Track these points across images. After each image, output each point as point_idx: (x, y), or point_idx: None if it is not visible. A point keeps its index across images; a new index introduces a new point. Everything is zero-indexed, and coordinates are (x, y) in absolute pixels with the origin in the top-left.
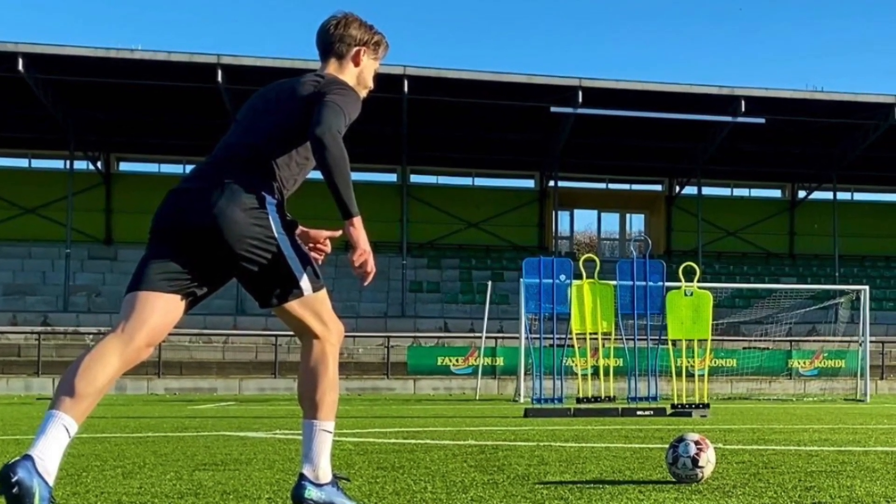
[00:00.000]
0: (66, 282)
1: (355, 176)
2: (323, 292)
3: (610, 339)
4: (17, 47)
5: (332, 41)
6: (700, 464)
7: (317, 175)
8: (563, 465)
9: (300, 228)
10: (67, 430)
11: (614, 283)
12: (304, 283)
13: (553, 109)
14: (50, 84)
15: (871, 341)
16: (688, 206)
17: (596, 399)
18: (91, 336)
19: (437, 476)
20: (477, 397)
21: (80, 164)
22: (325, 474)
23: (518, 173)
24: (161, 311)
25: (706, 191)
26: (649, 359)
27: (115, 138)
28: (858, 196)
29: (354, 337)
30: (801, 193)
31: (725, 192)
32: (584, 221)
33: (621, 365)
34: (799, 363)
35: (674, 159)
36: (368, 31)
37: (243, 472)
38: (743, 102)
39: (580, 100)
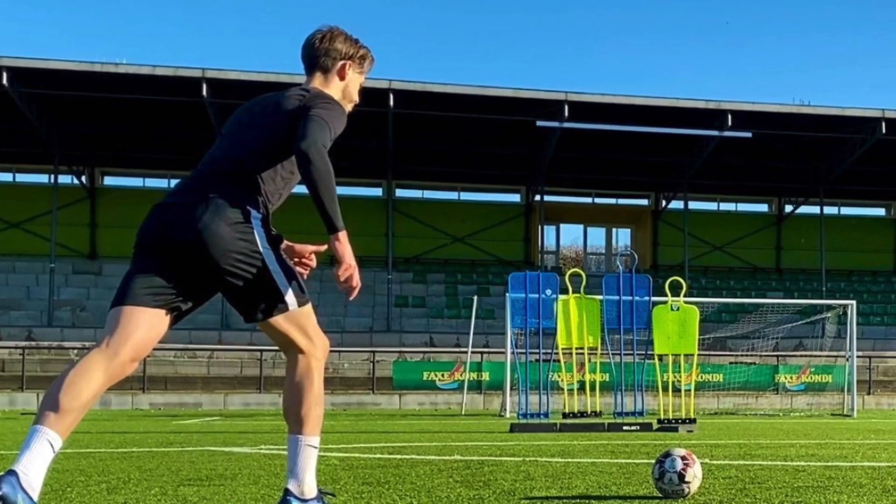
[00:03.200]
0: (50, 296)
1: (340, 190)
2: (308, 307)
3: (596, 353)
4: (0, 61)
5: (317, 55)
6: (686, 479)
7: (302, 189)
8: (549, 480)
9: (285, 243)
10: (52, 445)
11: (600, 297)
12: (290, 297)
13: (539, 123)
14: (34, 98)
15: (857, 356)
16: (674, 221)
17: (582, 414)
18: (76, 351)
19: (422, 491)
20: (463, 412)
21: (65, 179)
22: (311, 489)
23: (504, 188)
24: (146, 325)
25: (692, 205)
26: (636, 374)
27: (100, 152)
28: (845, 210)
29: (340, 352)
30: (788, 208)
31: (712, 206)
32: (571, 236)
33: (607, 380)
34: (786, 378)
35: (660, 173)
36: (354, 44)
37: (228, 488)
38: (729, 116)
39: (566, 114)
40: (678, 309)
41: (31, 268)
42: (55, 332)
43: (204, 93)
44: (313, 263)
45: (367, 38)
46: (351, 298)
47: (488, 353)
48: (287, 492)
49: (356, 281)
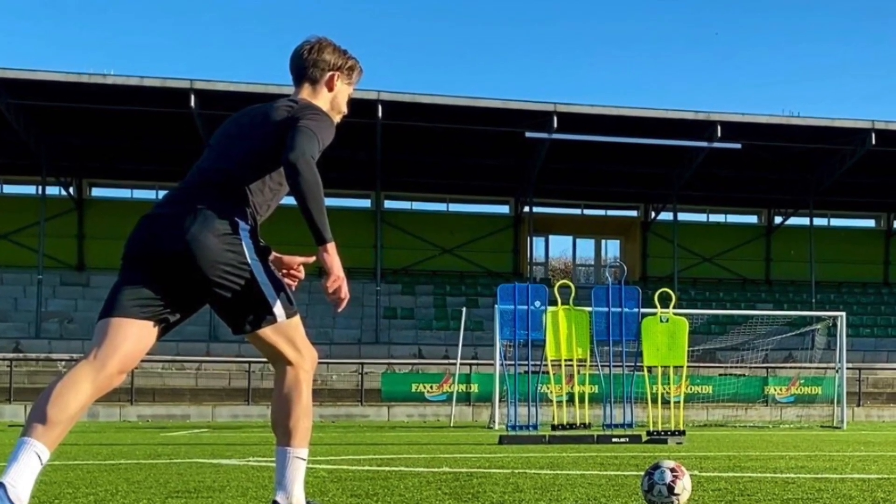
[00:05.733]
0: (38, 308)
1: (329, 201)
2: (296, 318)
3: (585, 365)
4: None
5: (305, 66)
6: (676, 491)
7: (290, 200)
8: (538, 492)
9: (273, 254)
10: (40, 457)
11: (590, 309)
12: (278, 309)
13: (528, 135)
14: (22, 109)
15: (847, 368)
16: (663, 232)
17: (571, 426)
18: (63, 363)
19: (411, 503)
20: (451, 424)
21: (53, 190)
22: (299, 502)
23: (493, 199)
24: (134, 337)
25: (682, 216)
26: (625, 385)
27: (88, 164)
28: (835, 222)
29: (328, 363)
30: (778, 219)
31: (701, 217)
32: (560, 247)
33: (597, 392)
34: (775, 390)
35: (649, 185)
36: (342, 55)
37: (216, 500)
38: (719, 128)
39: (555, 125)
40: (667, 321)
41: (19, 279)
42: (43, 343)
43: (192, 104)
44: (301, 275)
45: (355, 49)
46: (339, 310)
47: (477, 364)
48: None
49: (345, 292)
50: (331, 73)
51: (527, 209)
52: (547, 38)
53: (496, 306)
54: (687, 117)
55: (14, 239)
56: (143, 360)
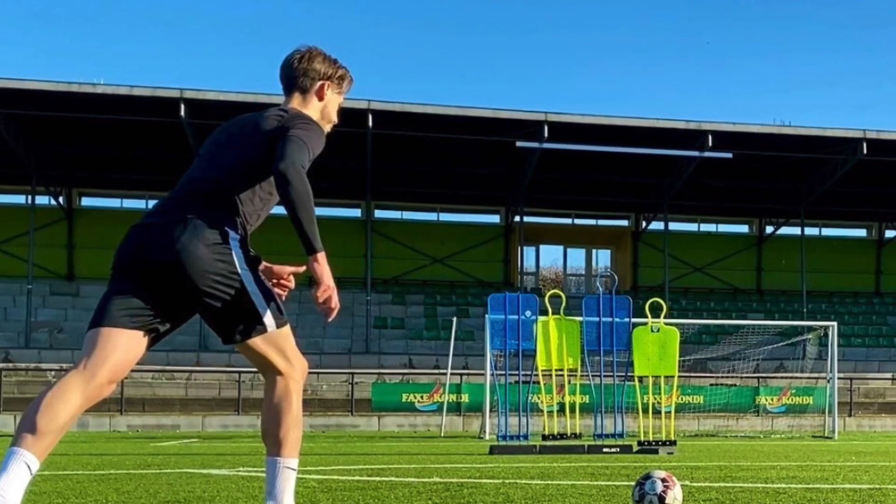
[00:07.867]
0: (27, 318)
1: (319, 211)
2: (286, 328)
3: (576, 375)
4: None
5: (295, 75)
6: (667, 501)
7: (280, 210)
8: (528, 502)
9: (263, 264)
10: (29, 467)
11: (580, 319)
12: (268, 319)
13: (519, 144)
14: (11, 118)
15: (838, 378)
16: (654, 242)
17: (562, 436)
18: (53, 373)
19: None
20: (442, 434)
21: (42, 199)
22: None
23: (483, 208)
24: (123, 347)
25: (673, 226)
26: (616, 395)
27: (78, 173)
28: (826, 231)
29: (318, 373)
30: (769, 229)
31: (692, 227)
32: (550, 257)
33: (587, 402)
34: (766, 400)
35: (640, 194)
36: (332, 65)
37: None
38: (710, 137)
39: (546, 134)
40: (658, 330)
41: (8, 289)
42: (32, 353)
43: (182, 113)
44: (291, 285)
45: (345, 58)
46: (329, 320)
47: (468, 374)
48: None
49: (335, 302)
50: (321, 82)
51: (517, 219)
52: (538, 48)
53: (487, 316)
54: (678, 126)
55: (3, 248)
56: (132, 370)
